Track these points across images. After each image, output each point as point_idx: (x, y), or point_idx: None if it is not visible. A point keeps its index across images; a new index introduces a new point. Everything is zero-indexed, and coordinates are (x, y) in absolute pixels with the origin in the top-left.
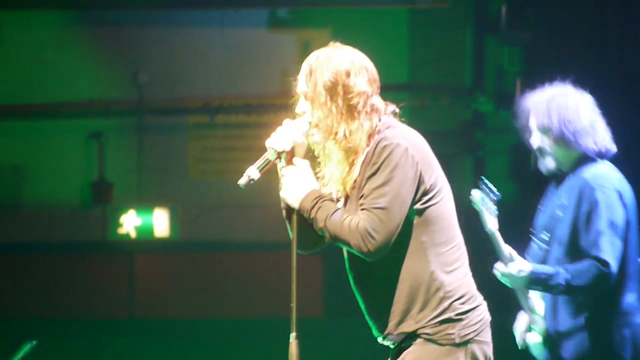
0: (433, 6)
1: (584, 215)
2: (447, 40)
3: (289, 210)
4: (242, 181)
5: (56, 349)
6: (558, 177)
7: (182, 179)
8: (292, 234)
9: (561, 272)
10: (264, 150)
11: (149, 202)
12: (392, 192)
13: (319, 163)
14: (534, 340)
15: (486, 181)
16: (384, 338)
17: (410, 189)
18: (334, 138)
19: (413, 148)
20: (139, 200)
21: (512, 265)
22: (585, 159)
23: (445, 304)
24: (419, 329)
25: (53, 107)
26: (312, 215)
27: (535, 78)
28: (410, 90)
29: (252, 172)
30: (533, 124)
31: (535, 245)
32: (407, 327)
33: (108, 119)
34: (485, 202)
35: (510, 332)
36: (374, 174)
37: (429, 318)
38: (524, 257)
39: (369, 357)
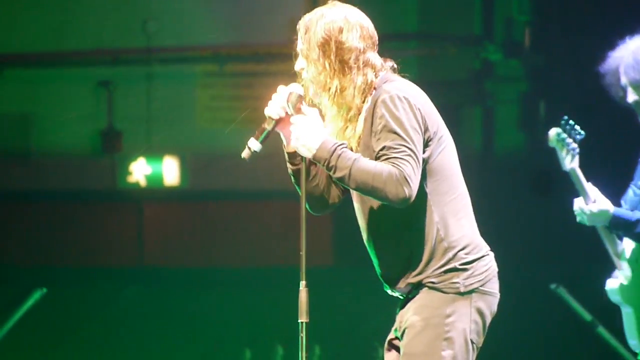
0: None
1: None
2: None
3: (296, 169)
4: (244, 154)
5: (65, 296)
6: None
7: (191, 128)
8: (301, 187)
9: None
10: (271, 98)
11: (158, 151)
12: (408, 139)
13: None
14: (614, 285)
15: (569, 119)
16: (392, 290)
17: (419, 136)
18: (327, 93)
19: (413, 98)
20: (148, 148)
21: (594, 204)
22: None
23: (450, 253)
24: (424, 278)
25: (61, 55)
26: (333, 164)
27: (544, 27)
28: (418, 39)
29: (253, 144)
30: (625, 80)
31: (631, 191)
32: (413, 277)
33: (116, 67)
34: (563, 140)
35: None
36: (383, 126)
37: (434, 267)
38: (620, 202)
39: (379, 306)
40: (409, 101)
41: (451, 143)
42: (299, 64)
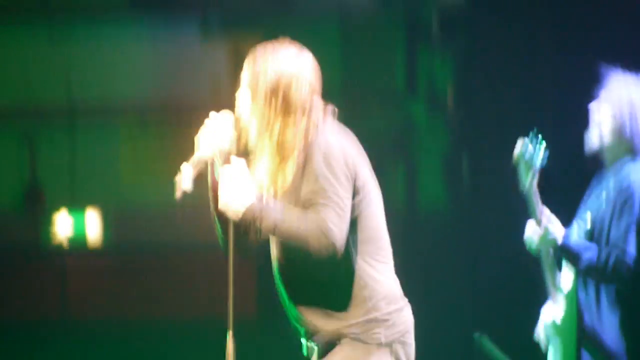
0: (364, 13)
1: (620, 205)
2: (379, 45)
3: (222, 214)
4: (176, 194)
5: None
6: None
7: (115, 182)
8: (225, 237)
9: (593, 248)
10: (193, 151)
11: (82, 207)
12: (340, 188)
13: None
14: (548, 318)
15: (534, 134)
16: (309, 339)
17: (348, 186)
18: (269, 133)
19: (347, 147)
20: (71, 203)
21: (545, 227)
22: (632, 155)
23: (370, 303)
24: (344, 327)
25: None
26: (258, 224)
27: (466, 85)
28: (343, 94)
29: (184, 182)
30: (604, 101)
31: (575, 225)
32: (333, 325)
33: (39, 121)
34: (528, 156)
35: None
36: (317, 173)
37: (356, 318)
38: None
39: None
40: (343, 150)
41: (378, 193)
42: (241, 103)
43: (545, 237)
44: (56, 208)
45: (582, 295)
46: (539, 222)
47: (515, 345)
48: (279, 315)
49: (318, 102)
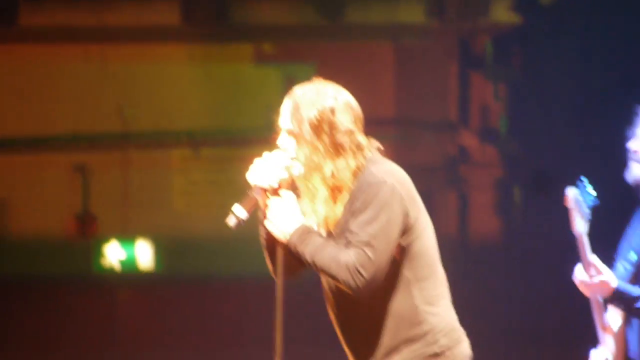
0: (418, 41)
1: None
2: (432, 75)
3: (270, 242)
4: (231, 222)
5: None
6: None
7: (167, 212)
8: (275, 266)
9: None
10: (247, 184)
11: (133, 235)
12: (379, 230)
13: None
14: (599, 358)
15: (585, 182)
16: None
17: (397, 226)
18: (320, 176)
19: (399, 185)
20: (123, 233)
21: (598, 276)
22: None
23: (430, 337)
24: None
25: (38, 140)
26: (300, 249)
27: (520, 113)
28: (395, 124)
29: (239, 211)
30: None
31: (621, 266)
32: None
33: (92, 152)
34: (579, 203)
35: None
36: (361, 211)
37: (415, 352)
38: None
39: None
40: (394, 189)
41: (431, 228)
42: (284, 143)
43: (599, 285)
44: (109, 236)
45: (628, 330)
46: (587, 270)
47: None
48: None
49: (363, 138)
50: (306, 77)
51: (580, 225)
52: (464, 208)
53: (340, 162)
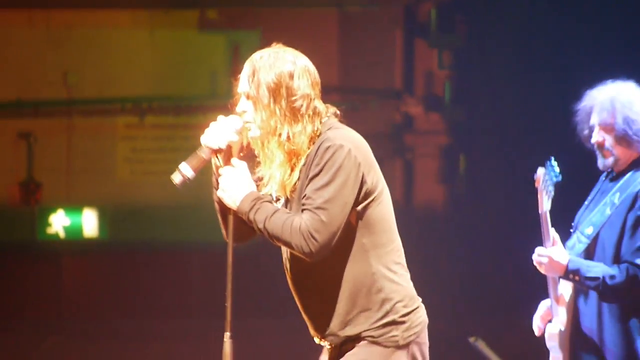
0: (363, 9)
1: (632, 221)
2: (377, 42)
3: (223, 207)
4: (176, 180)
5: None
6: (611, 173)
7: (111, 180)
8: (228, 231)
9: (600, 268)
10: (193, 150)
11: (78, 203)
12: (334, 193)
13: (259, 163)
14: (554, 330)
15: (553, 161)
16: (322, 339)
17: (353, 190)
18: (277, 140)
19: (355, 149)
20: (68, 200)
21: (552, 252)
22: (638, 161)
23: (388, 306)
24: (362, 331)
25: None
26: (251, 217)
27: (465, 81)
28: (340, 92)
29: (186, 170)
30: (595, 120)
31: (576, 238)
32: (350, 330)
33: (36, 118)
34: (546, 182)
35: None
36: (316, 175)
37: (373, 320)
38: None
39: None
40: (350, 153)
41: (388, 195)
42: (241, 107)
43: (555, 263)
44: (53, 203)
45: (580, 301)
46: (546, 245)
47: (510, 348)
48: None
49: (321, 104)
50: (251, 44)
51: (545, 204)
52: (410, 175)
53: (297, 127)
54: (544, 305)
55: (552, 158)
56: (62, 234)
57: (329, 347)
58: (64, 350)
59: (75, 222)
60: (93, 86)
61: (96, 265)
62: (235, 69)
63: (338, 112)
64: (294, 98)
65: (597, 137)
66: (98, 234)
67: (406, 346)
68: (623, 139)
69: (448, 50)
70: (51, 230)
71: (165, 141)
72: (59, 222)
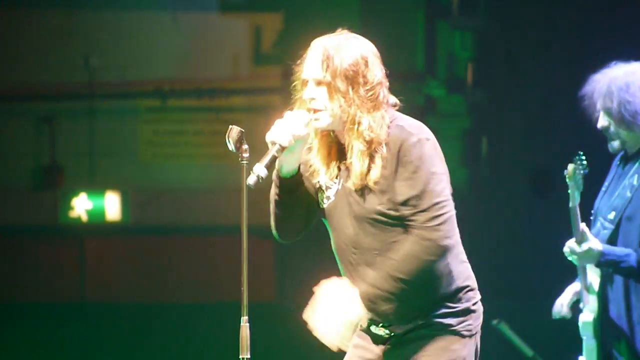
0: None
1: None
2: (398, 25)
3: (285, 198)
4: (251, 181)
5: (7, 333)
6: (626, 157)
7: (133, 163)
8: (281, 221)
9: (632, 254)
10: (214, 133)
11: (100, 186)
12: (439, 185)
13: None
14: (588, 319)
15: (582, 156)
16: (384, 326)
17: (447, 176)
18: (356, 129)
19: (435, 140)
20: (90, 183)
21: (584, 244)
22: None
23: (462, 294)
24: (438, 319)
25: (3, 90)
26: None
27: (487, 63)
28: None
29: (260, 170)
30: (598, 104)
31: (599, 224)
32: (427, 317)
33: (58, 102)
34: (576, 177)
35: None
36: (414, 172)
37: (449, 309)
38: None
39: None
40: (436, 144)
41: None
42: (311, 93)
43: (587, 253)
44: (75, 187)
45: (608, 289)
46: (579, 241)
47: (533, 332)
48: (295, 300)
49: (388, 92)
50: (273, 26)
51: (575, 197)
52: None
53: (376, 115)
54: (569, 290)
55: (581, 153)
56: (84, 218)
57: (386, 335)
58: (87, 334)
59: (97, 205)
60: (115, 69)
61: (119, 249)
62: (257, 51)
63: (397, 102)
64: (370, 86)
65: (601, 121)
66: (121, 218)
67: (475, 335)
68: (622, 121)
69: (470, 32)
70: (74, 213)
71: (187, 124)
72: (81, 205)
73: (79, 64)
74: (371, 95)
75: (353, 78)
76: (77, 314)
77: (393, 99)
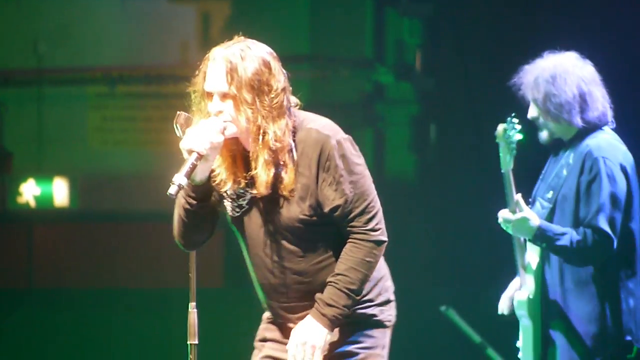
0: None
1: (585, 185)
2: (347, 11)
3: (197, 207)
4: (172, 190)
5: None
6: (562, 144)
7: (82, 149)
8: (185, 229)
9: (569, 233)
10: (163, 119)
11: (49, 172)
12: (365, 184)
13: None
14: (522, 297)
15: (514, 117)
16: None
17: (367, 170)
18: (262, 139)
19: (349, 136)
20: (38, 170)
21: (519, 214)
22: (584, 131)
23: (381, 285)
24: (364, 310)
25: None
26: (344, 303)
27: (435, 50)
28: (310, 61)
29: (181, 179)
30: (527, 95)
31: (539, 204)
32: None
33: (6, 88)
34: (508, 138)
35: None
36: (341, 176)
37: (372, 300)
38: None
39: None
40: (351, 141)
41: None
42: (217, 107)
43: (522, 224)
44: (24, 172)
45: (547, 272)
46: (513, 209)
47: (480, 318)
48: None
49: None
50: (222, 13)
51: (507, 161)
52: (380, 145)
53: (281, 123)
54: (513, 284)
55: (513, 114)
56: (32, 204)
57: None
58: (35, 320)
59: (45, 191)
60: (63, 56)
61: (67, 235)
62: (206, 38)
63: (299, 102)
64: (275, 93)
65: (531, 112)
66: (69, 204)
67: (392, 325)
68: (548, 113)
69: (419, 19)
70: (22, 199)
71: (136, 110)
72: (29, 191)
73: (27, 50)
74: (276, 104)
75: (258, 88)
76: (25, 300)
77: (294, 99)
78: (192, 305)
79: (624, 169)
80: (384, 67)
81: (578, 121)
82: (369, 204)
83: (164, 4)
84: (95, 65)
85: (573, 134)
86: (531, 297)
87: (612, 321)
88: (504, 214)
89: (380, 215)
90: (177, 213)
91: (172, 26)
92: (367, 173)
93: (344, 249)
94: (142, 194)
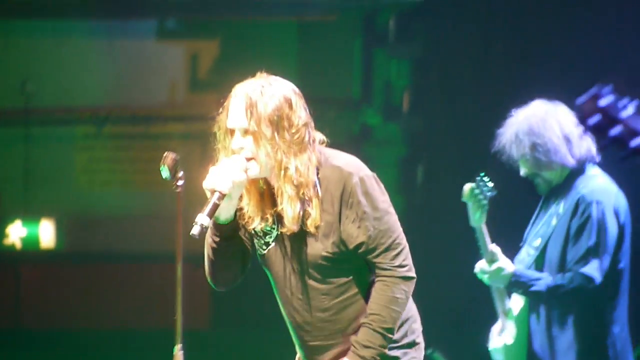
0: (321, 18)
1: (575, 228)
2: (335, 52)
3: (221, 246)
4: (195, 231)
5: None
6: (553, 189)
7: (69, 190)
8: (216, 269)
9: (544, 279)
10: (150, 160)
11: (35, 214)
12: (390, 220)
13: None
14: (498, 344)
15: (483, 176)
16: None
17: (392, 207)
18: (284, 174)
19: (374, 174)
20: (25, 211)
21: (495, 264)
22: (575, 171)
23: (407, 326)
24: (387, 352)
25: None
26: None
27: (423, 91)
28: None
29: (204, 220)
30: (513, 154)
31: (525, 252)
32: (372, 352)
33: None
34: (476, 196)
35: None
36: (365, 213)
37: (396, 342)
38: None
39: None
40: (375, 178)
41: None
42: (238, 143)
43: (497, 273)
44: (10, 213)
45: (533, 320)
46: (489, 260)
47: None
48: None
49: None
50: (210, 54)
51: (477, 218)
52: None
53: (304, 158)
54: (494, 331)
55: (483, 173)
56: (19, 245)
57: None
58: None
59: (32, 232)
60: (51, 95)
61: (54, 276)
62: (194, 78)
63: (325, 139)
64: (295, 129)
65: (522, 169)
66: (55, 245)
67: None
68: (539, 164)
69: (406, 60)
70: (8, 241)
71: (123, 151)
72: (16, 233)
73: (15, 89)
74: (297, 138)
75: (278, 123)
76: (12, 340)
77: (320, 136)
78: (178, 347)
79: (616, 213)
80: (371, 109)
81: (570, 160)
82: (394, 240)
83: (152, 44)
84: (82, 106)
85: (566, 176)
86: (510, 342)
87: None
88: (480, 265)
89: (406, 251)
90: (206, 252)
91: (160, 66)
92: (392, 210)
93: (373, 288)
94: (129, 235)
